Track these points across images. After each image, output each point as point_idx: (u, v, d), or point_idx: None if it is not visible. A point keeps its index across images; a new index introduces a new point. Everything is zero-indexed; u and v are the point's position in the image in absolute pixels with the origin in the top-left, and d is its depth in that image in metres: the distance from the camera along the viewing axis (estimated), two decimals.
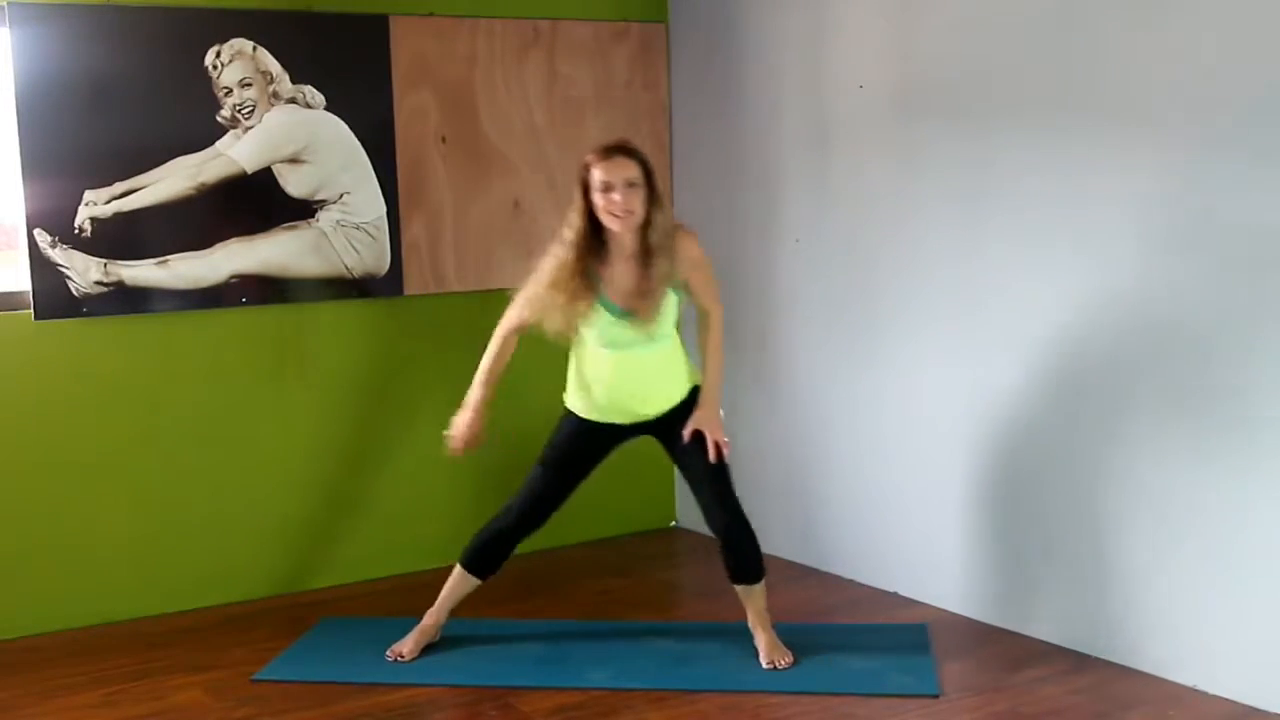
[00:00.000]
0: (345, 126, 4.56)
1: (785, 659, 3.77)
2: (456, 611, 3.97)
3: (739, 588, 3.82)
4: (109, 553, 4.34)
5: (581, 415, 3.82)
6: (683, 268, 3.68)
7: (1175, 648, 3.56)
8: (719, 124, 4.99)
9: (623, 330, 3.66)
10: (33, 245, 4.14)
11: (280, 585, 4.62)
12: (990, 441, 4.05)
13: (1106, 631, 3.74)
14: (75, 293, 4.21)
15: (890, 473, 4.42)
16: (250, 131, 4.41)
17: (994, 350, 3.99)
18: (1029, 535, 3.97)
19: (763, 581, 3.82)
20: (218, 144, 4.37)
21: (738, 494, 3.78)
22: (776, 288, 4.79)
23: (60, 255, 4.18)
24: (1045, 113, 3.78)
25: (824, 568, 4.71)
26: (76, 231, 4.19)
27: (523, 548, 3.95)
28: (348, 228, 4.59)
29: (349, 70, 4.57)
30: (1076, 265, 3.72)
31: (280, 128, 4.46)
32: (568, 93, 4.99)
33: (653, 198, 3.62)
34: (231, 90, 4.38)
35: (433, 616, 3.95)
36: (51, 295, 4.17)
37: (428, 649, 3.93)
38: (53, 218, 4.16)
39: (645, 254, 3.62)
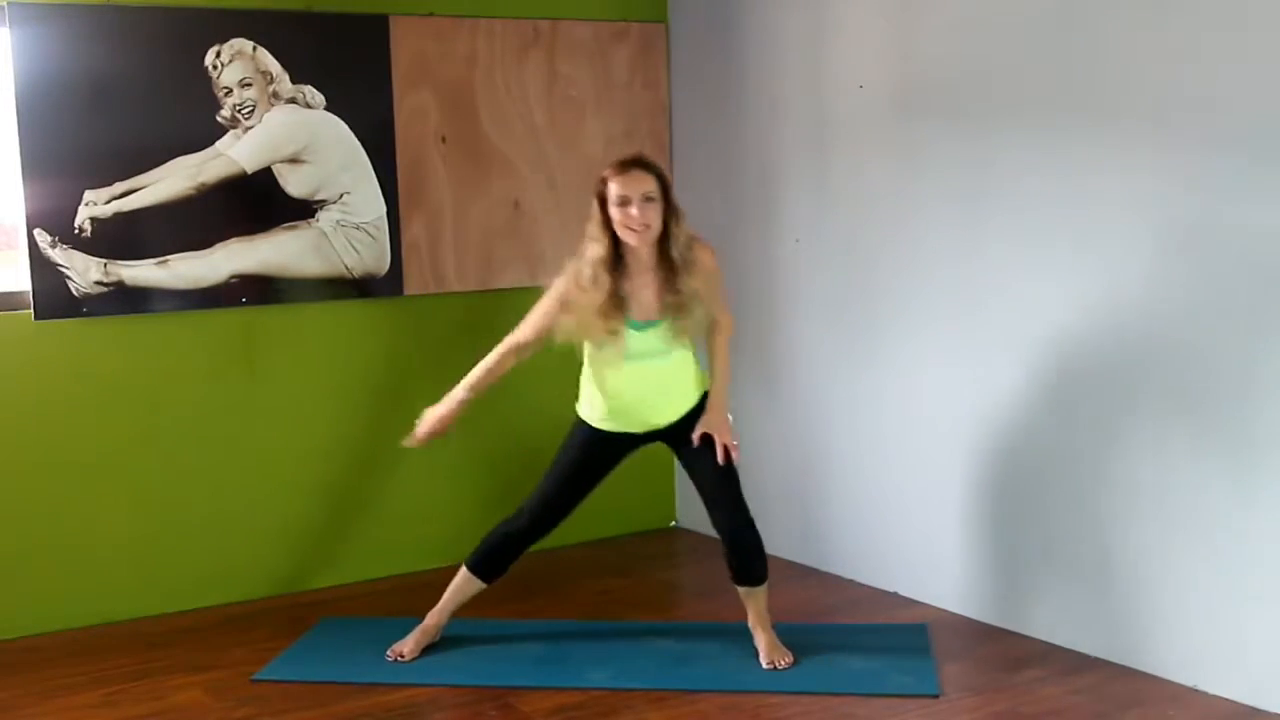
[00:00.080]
0: (345, 126, 4.56)
1: (785, 659, 3.77)
2: (457, 612, 3.97)
3: (741, 589, 3.82)
4: (109, 553, 4.34)
5: (595, 425, 3.82)
6: (698, 279, 3.67)
7: (1175, 648, 3.56)
8: (719, 124, 4.99)
9: (642, 342, 3.66)
10: (33, 245, 4.14)
11: (280, 585, 4.61)
12: (990, 441, 4.05)
13: (1106, 631, 3.74)
14: (75, 293, 4.20)
15: (890, 473, 4.42)
16: (250, 131, 4.41)
17: (994, 350, 3.99)
18: (1029, 535, 3.97)
19: (765, 583, 3.82)
20: (218, 144, 4.37)
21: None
22: (776, 288, 4.79)
23: (60, 255, 4.18)
24: (1045, 113, 3.78)
25: (824, 568, 4.71)
26: (76, 231, 4.19)
27: None
28: (348, 228, 4.59)
29: (349, 70, 4.57)
30: (1077, 265, 3.72)
31: (280, 128, 4.46)
32: (568, 93, 4.99)
33: (670, 211, 3.61)
34: (231, 90, 4.38)
35: (435, 617, 3.95)
36: (51, 295, 4.17)
37: (428, 649, 3.93)
38: (53, 218, 4.16)
39: (665, 266, 3.62)
